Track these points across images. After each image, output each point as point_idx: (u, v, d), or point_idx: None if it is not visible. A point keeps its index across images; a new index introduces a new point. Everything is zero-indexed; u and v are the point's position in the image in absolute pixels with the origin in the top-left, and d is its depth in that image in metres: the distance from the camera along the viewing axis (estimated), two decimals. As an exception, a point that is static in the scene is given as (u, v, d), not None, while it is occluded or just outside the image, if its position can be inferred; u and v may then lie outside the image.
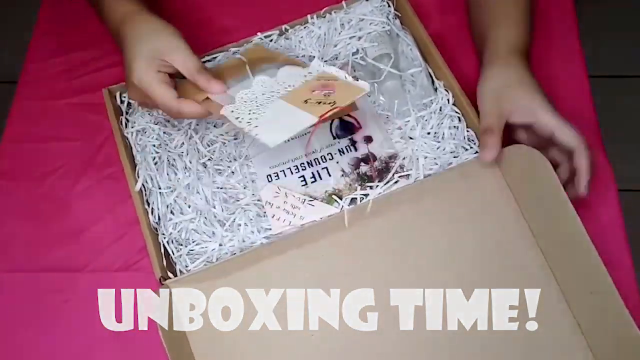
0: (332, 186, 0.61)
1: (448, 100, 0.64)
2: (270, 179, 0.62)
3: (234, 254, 0.57)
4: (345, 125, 0.65)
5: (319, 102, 0.53)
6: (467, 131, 0.63)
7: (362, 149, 0.64)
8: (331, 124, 0.65)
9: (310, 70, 0.59)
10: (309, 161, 0.63)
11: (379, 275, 0.56)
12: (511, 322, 0.54)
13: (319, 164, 0.63)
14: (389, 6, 0.71)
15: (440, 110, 0.64)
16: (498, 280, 0.56)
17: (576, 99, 0.67)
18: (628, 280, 0.57)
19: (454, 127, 0.63)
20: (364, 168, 0.62)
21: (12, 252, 0.63)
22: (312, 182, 0.62)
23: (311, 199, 0.61)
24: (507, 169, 0.59)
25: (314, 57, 0.68)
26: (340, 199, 0.60)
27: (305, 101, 0.54)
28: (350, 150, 0.64)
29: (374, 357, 0.54)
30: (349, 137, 0.65)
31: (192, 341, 0.54)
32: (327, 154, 0.64)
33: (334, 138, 0.65)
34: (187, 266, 0.58)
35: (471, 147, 0.62)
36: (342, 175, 0.62)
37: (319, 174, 0.63)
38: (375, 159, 0.63)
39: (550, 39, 0.71)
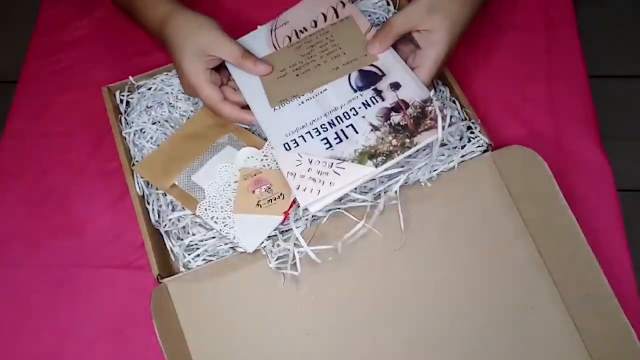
0: (362, 144, 0.54)
1: (446, 98, 0.64)
2: (288, 147, 0.56)
3: (234, 250, 0.57)
4: (366, 75, 0.58)
5: (269, 201, 0.57)
6: (468, 131, 0.62)
7: (390, 97, 0.56)
8: (350, 77, 0.59)
9: (264, 153, 0.60)
10: (330, 121, 0.57)
11: (378, 275, 0.56)
12: (508, 322, 0.54)
13: (342, 121, 0.56)
14: (388, 5, 0.72)
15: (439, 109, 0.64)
16: (496, 281, 0.56)
17: (576, 99, 0.67)
18: (627, 280, 0.57)
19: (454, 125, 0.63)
20: (396, 117, 0.55)
21: (12, 247, 0.63)
22: (338, 143, 0.55)
23: (339, 161, 0.54)
24: (504, 169, 0.59)
25: None
26: (376, 157, 0.53)
27: (258, 204, 0.57)
28: (377, 101, 0.56)
29: (372, 357, 0.54)
30: (373, 87, 0.57)
31: (189, 339, 0.54)
32: (350, 110, 0.57)
33: (355, 91, 0.58)
34: (187, 262, 0.58)
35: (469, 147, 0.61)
36: (372, 130, 0.55)
37: (344, 133, 0.55)
38: (407, 105, 0.56)
39: (550, 39, 0.71)
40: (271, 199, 0.57)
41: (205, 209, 0.58)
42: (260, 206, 0.57)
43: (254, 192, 0.58)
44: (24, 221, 0.65)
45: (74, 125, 0.70)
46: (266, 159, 0.60)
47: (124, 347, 0.58)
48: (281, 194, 0.57)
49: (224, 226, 0.57)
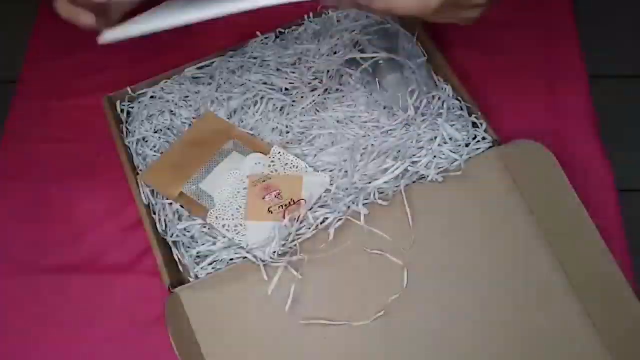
0: None
1: (449, 95, 0.64)
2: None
3: (245, 257, 0.56)
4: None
5: (280, 207, 0.57)
6: (473, 127, 0.62)
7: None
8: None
9: (272, 158, 0.61)
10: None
11: (382, 275, 0.56)
12: (519, 318, 0.54)
13: None
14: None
15: (443, 105, 0.64)
16: (506, 276, 0.55)
17: (576, 99, 0.67)
18: (627, 280, 0.57)
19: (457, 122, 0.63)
20: None
21: (12, 253, 0.63)
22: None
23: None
24: (512, 163, 0.58)
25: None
26: None
27: (269, 210, 0.57)
28: None
29: (380, 356, 0.54)
30: None
31: (203, 347, 0.53)
32: None
33: None
34: (195, 269, 0.57)
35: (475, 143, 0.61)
36: None
37: None
38: None
39: (550, 39, 0.71)
40: (282, 205, 0.57)
41: (216, 217, 0.58)
42: (272, 212, 0.57)
43: (264, 198, 0.58)
44: (24, 226, 0.64)
45: (75, 129, 0.69)
46: (273, 165, 0.61)
47: (127, 353, 0.57)
48: (291, 199, 0.58)
49: (236, 234, 0.57)
